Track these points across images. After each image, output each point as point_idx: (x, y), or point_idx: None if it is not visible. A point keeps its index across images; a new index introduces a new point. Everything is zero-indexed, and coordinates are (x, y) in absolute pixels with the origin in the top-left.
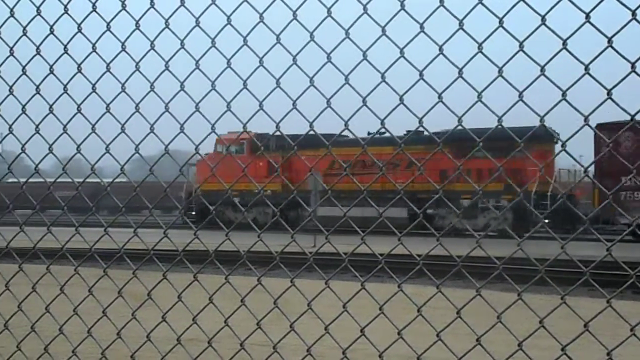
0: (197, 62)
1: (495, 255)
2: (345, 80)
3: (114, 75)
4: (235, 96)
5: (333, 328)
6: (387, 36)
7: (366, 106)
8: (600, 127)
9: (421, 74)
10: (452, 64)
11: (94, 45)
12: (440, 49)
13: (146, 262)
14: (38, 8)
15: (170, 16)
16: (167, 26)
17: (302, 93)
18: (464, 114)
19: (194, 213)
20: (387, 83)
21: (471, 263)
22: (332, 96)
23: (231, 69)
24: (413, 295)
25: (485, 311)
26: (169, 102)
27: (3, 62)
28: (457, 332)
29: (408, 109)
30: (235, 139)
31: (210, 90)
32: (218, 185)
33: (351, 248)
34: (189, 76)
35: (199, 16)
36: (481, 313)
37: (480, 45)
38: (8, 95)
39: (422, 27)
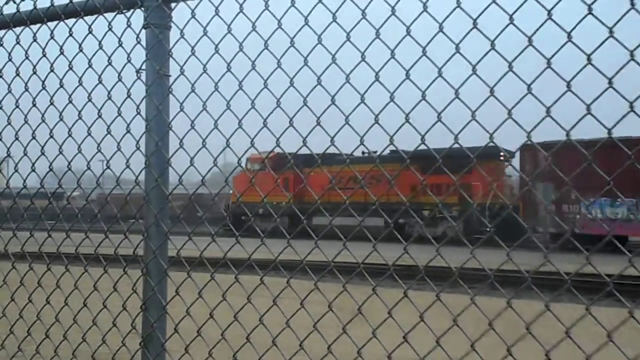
0: (292, 79)
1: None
2: (390, 98)
3: (246, 93)
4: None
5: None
6: (427, 57)
7: (409, 123)
8: (525, 147)
9: (457, 93)
10: (485, 83)
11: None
12: (474, 69)
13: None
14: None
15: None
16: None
17: (354, 109)
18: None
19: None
20: (427, 102)
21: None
22: (380, 111)
23: (322, 86)
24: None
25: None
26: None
27: (197, 76)
28: None
29: (447, 127)
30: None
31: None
32: (249, 198)
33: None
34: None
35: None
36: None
37: (510, 65)
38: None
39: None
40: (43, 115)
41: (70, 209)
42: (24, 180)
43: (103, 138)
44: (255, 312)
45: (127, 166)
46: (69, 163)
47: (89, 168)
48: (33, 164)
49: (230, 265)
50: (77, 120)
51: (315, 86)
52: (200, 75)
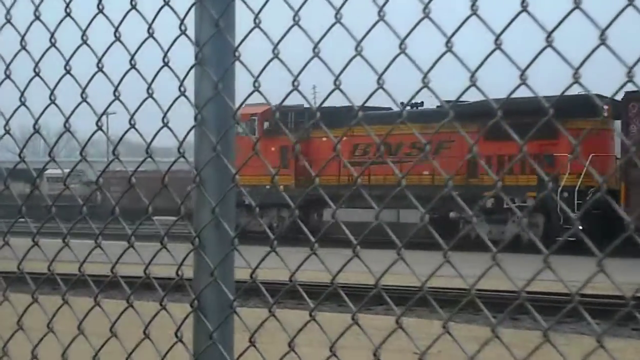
0: None
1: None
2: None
3: None
4: None
5: None
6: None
7: (452, 52)
8: (629, 95)
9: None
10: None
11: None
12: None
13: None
14: None
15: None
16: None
17: (414, 28)
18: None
19: None
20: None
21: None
22: (452, 35)
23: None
24: None
25: None
26: None
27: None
28: None
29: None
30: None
31: None
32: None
33: None
34: None
35: None
36: None
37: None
38: None
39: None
40: (22, 37)
41: (69, 197)
42: None
43: (123, 76)
44: None
45: (165, 124)
46: (67, 120)
47: (100, 128)
48: (7, 122)
49: (345, 298)
50: (80, 45)
51: None
52: None
